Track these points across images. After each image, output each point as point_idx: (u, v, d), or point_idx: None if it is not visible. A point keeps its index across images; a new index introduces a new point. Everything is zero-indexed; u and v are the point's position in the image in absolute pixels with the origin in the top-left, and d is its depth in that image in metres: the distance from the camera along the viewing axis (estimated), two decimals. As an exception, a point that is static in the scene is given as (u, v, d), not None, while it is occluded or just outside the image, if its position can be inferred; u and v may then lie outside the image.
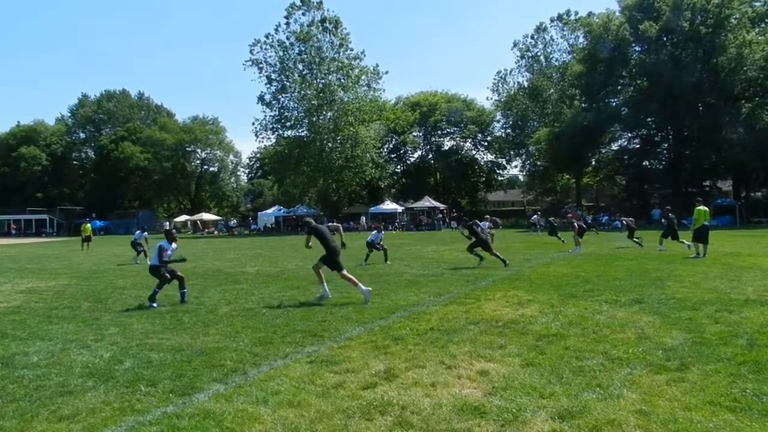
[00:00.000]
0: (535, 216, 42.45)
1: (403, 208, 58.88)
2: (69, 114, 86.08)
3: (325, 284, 10.40)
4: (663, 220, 20.66)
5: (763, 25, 45.70)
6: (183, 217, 71.41)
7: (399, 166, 71.72)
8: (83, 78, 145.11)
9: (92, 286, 13.56)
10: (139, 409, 4.76)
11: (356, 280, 10.13)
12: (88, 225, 30.66)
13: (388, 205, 57.89)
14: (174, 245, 11.01)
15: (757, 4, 45.75)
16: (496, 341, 6.66)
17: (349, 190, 59.46)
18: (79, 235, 31.95)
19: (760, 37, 41.74)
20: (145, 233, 22.02)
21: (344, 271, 10.28)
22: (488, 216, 24.76)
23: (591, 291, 10.23)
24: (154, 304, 9.98)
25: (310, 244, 10.55)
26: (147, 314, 9.31)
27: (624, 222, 23.16)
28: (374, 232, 19.18)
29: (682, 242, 18.41)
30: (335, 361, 6.03)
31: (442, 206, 58.21)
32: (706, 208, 17.19)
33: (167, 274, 10.54)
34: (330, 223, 13.32)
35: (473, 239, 15.78)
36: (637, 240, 20.95)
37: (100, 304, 10.61)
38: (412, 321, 8.02)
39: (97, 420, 4.56)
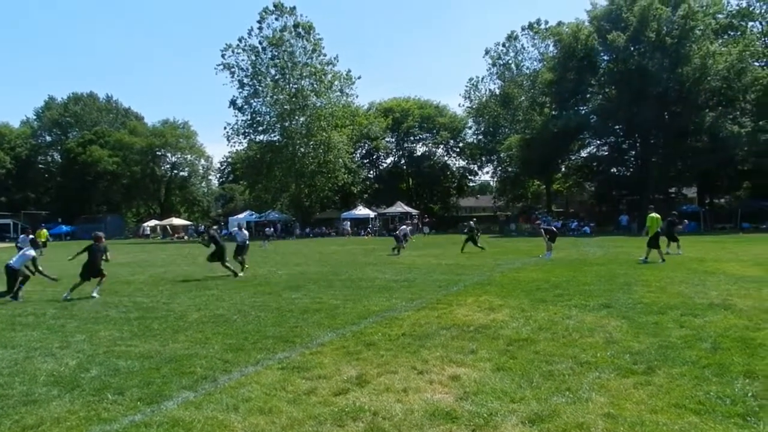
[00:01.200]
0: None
1: (375, 213, 58.88)
2: (34, 116, 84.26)
3: None
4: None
5: (726, 37, 47.01)
6: (152, 222, 70.26)
7: (371, 172, 71.76)
8: (50, 80, 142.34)
9: (57, 292, 13.24)
10: (106, 418, 4.68)
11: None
12: (45, 230, 30.74)
13: (361, 211, 57.83)
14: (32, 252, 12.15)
15: (720, 16, 47.03)
16: (467, 346, 6.71)
17: (322, 195, 59.23)
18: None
19: (723, 48, 42.89)
20: (31, 236, 20.71)
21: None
22: (470, 222, 25.46)
23: (561, 296, 10.37)
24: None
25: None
26: (115, 321, 9.14)
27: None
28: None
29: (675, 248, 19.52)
30: (307, 367, 6.01)
31: (414, 212, 58.37)
32: (657, 215, 17.98)
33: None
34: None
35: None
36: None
37: (65, 310, 10.37)
38: (384, 326, 8.03)
39: (62, 429, 4.47)
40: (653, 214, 17.78)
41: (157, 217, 74.13)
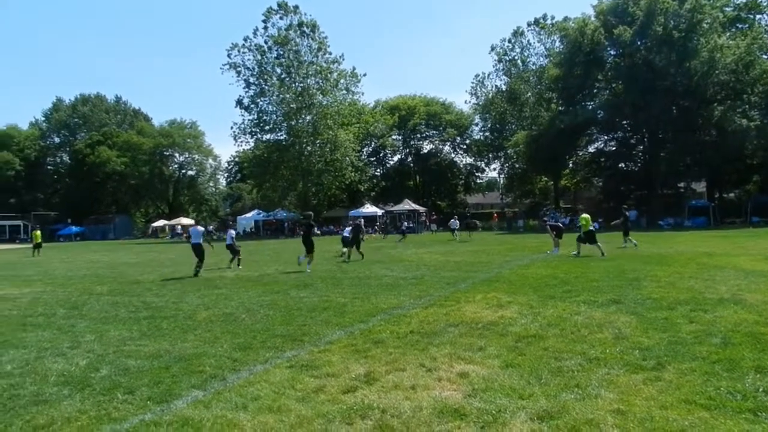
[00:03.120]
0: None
1: (382, 211, 58.91)
2: (43, 118, 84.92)
3: None
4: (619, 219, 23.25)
5: (733, 30, 46.65)
6: (161, 222, 70.60)
7: (378, 170, 71.78)
8: (58, 82, 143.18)
9: (68, 292, 13.34)
10: (116, 417, 4.70)
11: None
12: (38, 232, 31.81)
13: (368, 209, 57.84)
14: None
15: (728, 9, 46.72)
16: (475, 343, 6.70)
17: (329, 193, 59.33)
18: (55, 241, 32.85)
19: (730, 42, 42.56)
20: None
21: None
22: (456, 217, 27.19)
23: (569, 292, 10.33)
24: None
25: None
26: (124, 321, 9.18)
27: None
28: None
29: (628, 241, 21.51)
30: (315, 365, 6.01)
31: (421, 209, 58.35)
32: (587, 216, 19.66)
33: None
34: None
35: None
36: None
37: (75, 310, 10.44)
38: (392, 324, 8.03)
39: (72, 429, 4.49)
40: (585, 215, 19.64)
41: (166, 217, 74.45)
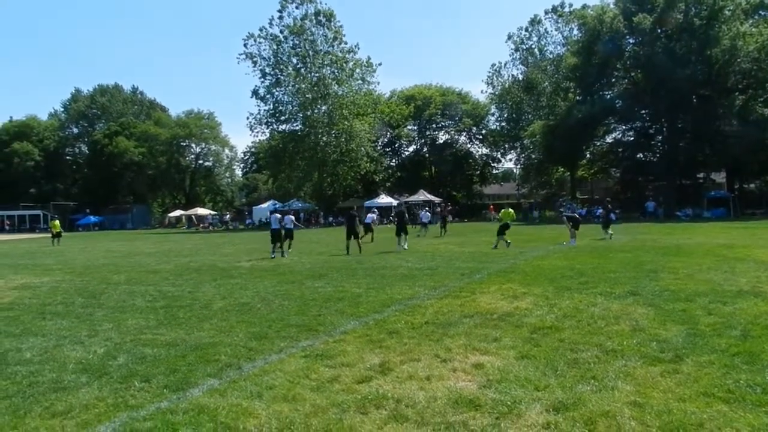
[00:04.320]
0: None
1: (398, 201, 58.79)
2: (62, 109, 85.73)
3: None
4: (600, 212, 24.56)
5: (756, 17, 45.71)
6: (178, 212, 71.21)
7: (394, 160, 71.59)
8: (76, 73, 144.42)
9: (86, 281, 13.50)
10: (133, 405, 4.75)
11: None
12: (57, 221, 32.45)
13: (383, 199, 57.75)
14: None
15: (751, -5, 45.76)
16: (491, 334, 6.67)
17: (344, 184, 59.33)
18: (74, 231, 33.40)
19: (753, 29, 41.72)
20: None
21: None
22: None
23: (586, 283, 10.24)
24: None
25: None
26: (141, 310, 9.28)
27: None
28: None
29: (607, 234, 21.79)
30: (330, 355, 6.03)
31: (437, 199, 58.17)
32: (511, 210, 21.32)
33: None
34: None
35: None
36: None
37: (93, 299, 10.57)
38: (407, 314, 8.02)
39: (90, 416, 4.55)
40: (508, 209, 21.11)
41: (183, 207, 75.05)
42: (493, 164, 75.03)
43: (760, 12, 46.49)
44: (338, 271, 13.83)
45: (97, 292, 11.60)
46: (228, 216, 66.27)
